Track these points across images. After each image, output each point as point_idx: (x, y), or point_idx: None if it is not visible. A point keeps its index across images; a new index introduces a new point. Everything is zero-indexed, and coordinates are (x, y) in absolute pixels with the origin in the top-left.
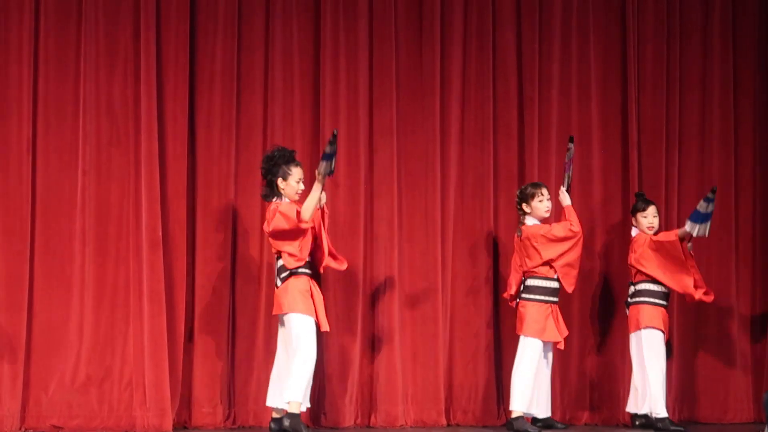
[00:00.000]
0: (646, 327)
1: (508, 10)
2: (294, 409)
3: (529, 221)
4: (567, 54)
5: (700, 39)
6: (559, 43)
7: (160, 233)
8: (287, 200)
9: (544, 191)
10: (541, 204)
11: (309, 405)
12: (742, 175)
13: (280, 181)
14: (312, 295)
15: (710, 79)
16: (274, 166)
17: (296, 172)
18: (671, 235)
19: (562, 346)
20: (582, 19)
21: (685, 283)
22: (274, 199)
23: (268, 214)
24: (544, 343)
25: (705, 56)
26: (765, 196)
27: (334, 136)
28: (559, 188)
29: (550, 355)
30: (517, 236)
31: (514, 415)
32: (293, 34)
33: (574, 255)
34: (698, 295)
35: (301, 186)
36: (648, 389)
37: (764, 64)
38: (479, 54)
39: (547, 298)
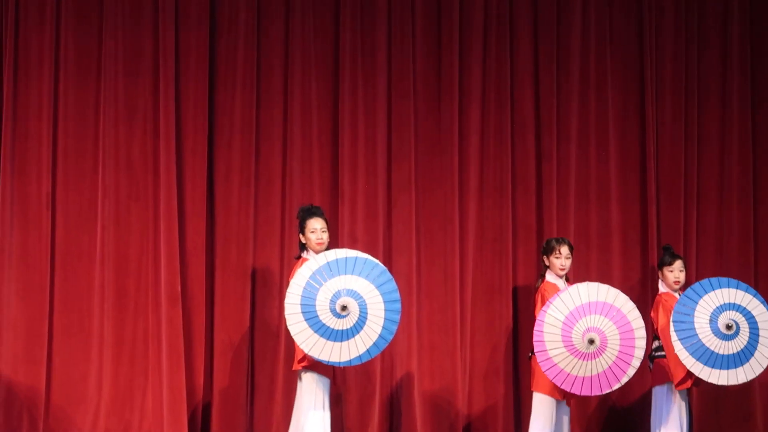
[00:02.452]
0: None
1: (526, 65)
2: None
3: (549, 276)
4: (585, 109)
5: (719, 95)
6: (577, 97)
7: (179, 288)
8: (313, 253)
9: (563, 250)
10: (557, 261)
11: None
12: (762, 233)
13: (301, 236)
14: None
15: (729, 134)
16: (298, 225)
17: (311, 224)
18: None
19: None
20: (600, 75)
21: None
22: (303, 254)
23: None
24: (558, 400)
25: (723, 112)
26: None
27: None
28: (574, 243)
29: (566, 409)
30: (535, 287)
31: None
32: (312, 88)
33: None
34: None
35: (321, 236)
36: None
37: None
38: (497, 109)
39: None
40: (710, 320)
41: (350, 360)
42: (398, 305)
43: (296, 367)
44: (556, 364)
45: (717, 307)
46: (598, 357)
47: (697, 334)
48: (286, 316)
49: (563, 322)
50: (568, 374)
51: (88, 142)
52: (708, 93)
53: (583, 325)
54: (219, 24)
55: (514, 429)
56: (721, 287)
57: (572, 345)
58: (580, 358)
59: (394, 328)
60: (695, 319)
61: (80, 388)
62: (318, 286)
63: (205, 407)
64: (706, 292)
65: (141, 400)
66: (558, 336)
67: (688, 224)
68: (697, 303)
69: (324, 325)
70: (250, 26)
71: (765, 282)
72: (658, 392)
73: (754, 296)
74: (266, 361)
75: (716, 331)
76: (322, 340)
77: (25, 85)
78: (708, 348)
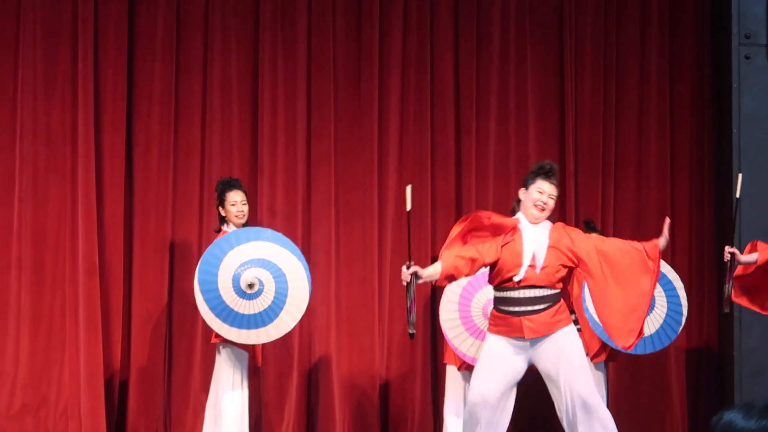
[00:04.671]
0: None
1: (446, 41)
2: None
3: None
4: (505, 84)
5: (638, 72)
6: (497, 72)
7: (97, 260)
8: (233, 226)
9: None
10: None
11: None
12: (679, 206)
13: (220, 209)
14: None
15: (647, 111)
16: (217, 197)
17: (230, 196)
18: None
19: None
20: (520, 50)
21: None
22: (222, 227)
23: None
24: None
25: (642, 88)
26: (700, 228)
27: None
28: None
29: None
30: None
31: None
32: (231, 60)
33: None
34: None
35: (242, 208)
36: None
37: (700, 97)
38: (417, 82)
39: None
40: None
41: (266, 340)
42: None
43: (214, 340)
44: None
45: None
46: None
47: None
48: (196, 299)
49: (460, 295)
50: (462, 350)
51: (5, 113)
52: (627, 69)
53: (482, 297)
54: None
55: (431, 401)
56: None
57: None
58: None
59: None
60: None
61: None
62: (218, 263)
63: (123, 380)
64: None
65: (58, 374)
66: (456, 316)
67: (606, 199)
68: None
69: (232, 311)
70: None
71: (681, 256)
72: None
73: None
74: (184, 335)
75: None
76: (231, 327)
77: None
78: None
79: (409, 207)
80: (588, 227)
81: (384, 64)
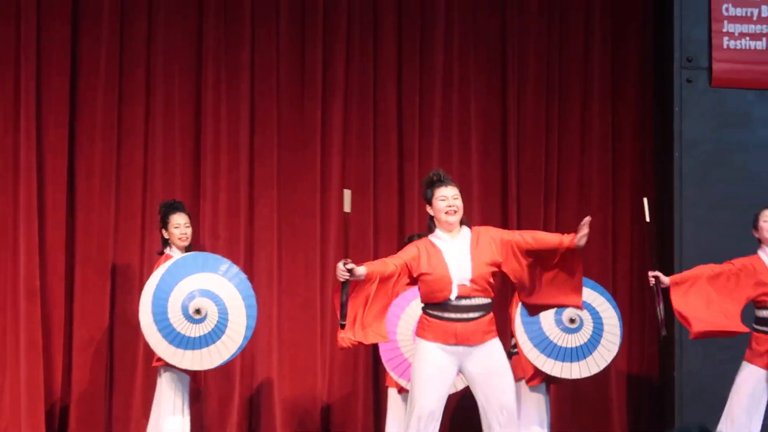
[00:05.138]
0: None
1: (389, 65)
2: None
3: None
4: (448, 108)
5: (580, 95)
6: (440, 95)
7: (38, 283)
8: (177, 249)
9: None
10: None
11: None
12: (620, 229)
13: (164, 232)
14: None
15: (589, 133)
16: (160, 220)
17: (174, 219)
18: None
19: None
20: (463, 74)
21: None
22: (165, 249)
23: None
24: None
25: (584, 112)
26: (642, 251)
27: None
28: None
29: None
30: None
31: None
32: (174, 84)
33: None
34: None
35: (185, 231)
36: None
37: (643, 120)
38: (360, 106)
39: None
40: (555, 311)
41: (209, 366)
42: (254, 309)
43: (155, 364)
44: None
45: None
46: None
47: (541, 326)
48: (141, 322)
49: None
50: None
51: None
52: (569, 92)
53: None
54: (82, 18)
55: (373, 425)
56: None
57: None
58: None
59: (250, 333)
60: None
61: None
62: (168, 290)
63: (63, 404)
64: None
65: None
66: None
67: (548, 222)
68: None
69: (178, 333)
70: (113, 21)
71: (623, 280)
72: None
73: (602, 294)
74: (126, 358)
75: (559, 322)
76: (177, 348)
77: None
78: (551, 340)
79: (347, 209)
80: None
81: (327, 89)
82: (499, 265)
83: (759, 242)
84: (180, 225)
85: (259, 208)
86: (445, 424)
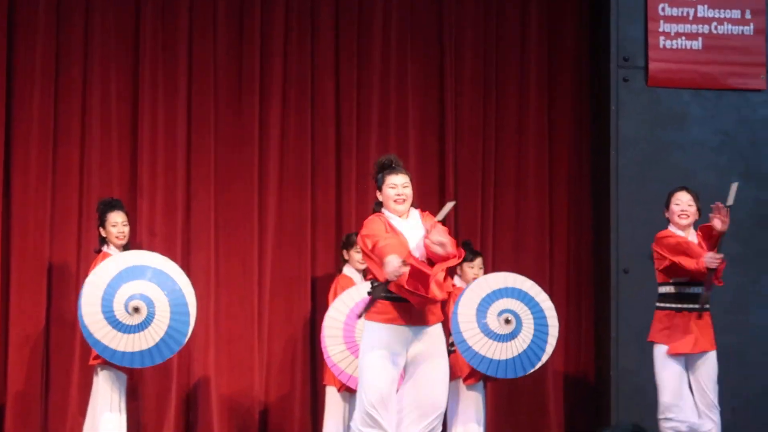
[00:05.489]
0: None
1: (326, 60)
2: None
3: (346, 270)
4: (385, 103)
5: (517, 92)
6: (377, 91)
7: None
8: (114, 248)
9: None
10: (357, 255)
11: None
12: (557, 224)
13: (101, 230)
14: None
15: (526, 130)
16: (98, 218)
17: (111, 217)
18: None
19: None
20: (400, 69)
21: None
22: (103, 247)
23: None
24: None
25: (521, 108)
26: (578, 243)
27: None
28: None
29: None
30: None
31: None
32: (111, 81)
33: None
34: None
35: (123, 229)
36: None
37: (579, 118)
38: (298, 103)
39: None
40: (496, 312)
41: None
42: (187, 318)
43: (92, 362)
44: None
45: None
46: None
47: (478, 325)
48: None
49: (344, 322)
50: (342, 370)
51: None
52: (506, 88)
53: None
54: (17, 16)
55: (310, 422)
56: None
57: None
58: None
59: (183, 340)
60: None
61: None
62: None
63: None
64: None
65: None
66: (340, 334)
67: (486, 216)
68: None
69: (117, 334)
70: (50, 17)
71: (559, 273)
72: (452, 388)
73: (536, 296)
74: (62, 356)
75: (495, 322)
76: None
77: None
78: (488, 339)
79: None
80: (466, 247)
81: (264, 85)
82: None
83: (668, 221)
84: (118, 223)
85: (196, 205)
86: None
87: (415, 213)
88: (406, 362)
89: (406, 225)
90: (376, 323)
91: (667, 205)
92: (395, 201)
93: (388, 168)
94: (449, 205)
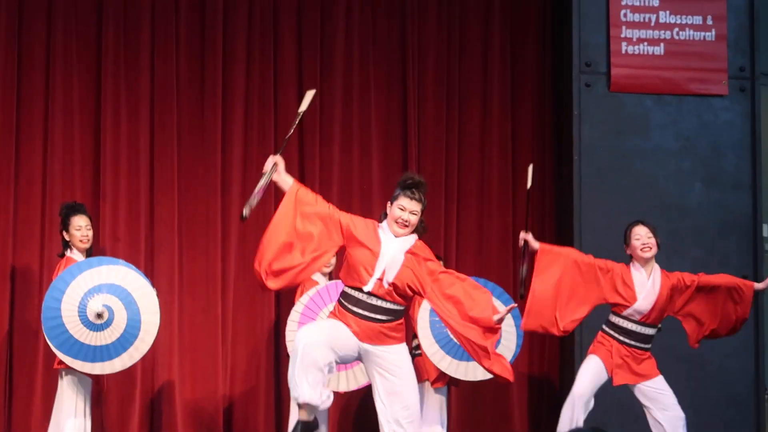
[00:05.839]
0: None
1: (290, 68)
2: None
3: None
4: (348, 113)
5: (480, 101)
6: (340, 101)
7: None
8: (78, 252)
9: None
10: None
11: None
12: (521, 230)
13: (65, 234)
14: None
15: (489, 139)
16: (61, 222)
17: (75, 221)
18: None
19: None
20: (363, 77)
21: None
22: (66, 252)
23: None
24: None
25: (484, 117)
26: None
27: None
28: None
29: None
30: None
31: None
32: (74, 88)
33: None
34: None
35: (87, 233)
36: None
37: (542, 124)
38: (260, 111)
39: None
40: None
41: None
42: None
43: (57, 366)
44: None
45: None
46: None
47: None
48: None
49: (302, 314)
50: None
51: None
52: (469, 98)
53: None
54: None
55: (274, 427)
56: None
57: None
58: None
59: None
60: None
61: None
62: (61, 296)
63: None
64: None
65: None
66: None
67: (449, 226)
68: None
69: (79, 343)
70: (11, 24)
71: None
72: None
73: (499, 297)
74: (25, 361)
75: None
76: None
77: None
78: (455, 341)
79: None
80: None
81: (227, 92)
82: (418, 291)
83: (631, 257)
84: (81, 227)
85: (159, 210)
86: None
87: (411, 239)
88: (374, 381)
89: (392, 242)
90: (334, 319)
91: (626, 241)
92: (397, 222)
93: (407, 189)
94: (309, 94)
